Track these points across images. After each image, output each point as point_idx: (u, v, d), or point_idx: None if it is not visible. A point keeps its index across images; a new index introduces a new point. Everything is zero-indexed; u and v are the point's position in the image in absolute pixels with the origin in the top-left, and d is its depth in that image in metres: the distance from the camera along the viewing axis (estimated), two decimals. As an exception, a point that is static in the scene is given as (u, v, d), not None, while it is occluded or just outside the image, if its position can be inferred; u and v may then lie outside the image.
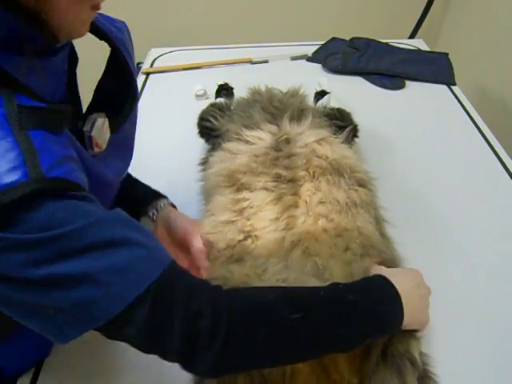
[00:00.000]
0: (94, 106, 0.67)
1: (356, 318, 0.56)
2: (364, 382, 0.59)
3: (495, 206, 0.99)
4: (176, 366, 0.52)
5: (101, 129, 0.60)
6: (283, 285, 0.65)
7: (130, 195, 0.83)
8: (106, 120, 0.61)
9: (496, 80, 1.73)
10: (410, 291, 0.61)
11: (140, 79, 1.46)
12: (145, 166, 0.95)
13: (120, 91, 0.69)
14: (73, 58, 0.64)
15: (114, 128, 0.64)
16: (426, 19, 2.07)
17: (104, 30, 0.66)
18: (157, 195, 0.85)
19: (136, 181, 0.88)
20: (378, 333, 0.59)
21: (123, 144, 0.69)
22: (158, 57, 1.59)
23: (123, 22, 0.76)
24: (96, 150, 0.59)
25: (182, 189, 1.02)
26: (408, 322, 0.59)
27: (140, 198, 0.83)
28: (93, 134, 0.58)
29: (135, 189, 0.86)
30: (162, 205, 0.83)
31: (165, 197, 0.85)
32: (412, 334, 0.62)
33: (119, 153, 0.68)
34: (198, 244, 0.76)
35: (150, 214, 0.82)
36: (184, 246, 0.78)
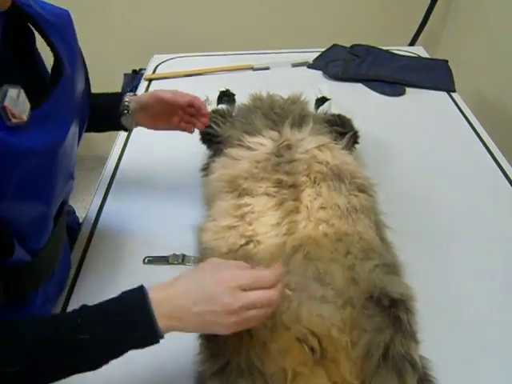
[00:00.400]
0: None
1: (85, 354, 0.57)
2: (365, 383, 0.60)
3: (495, 213, 1.00)
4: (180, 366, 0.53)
5: (16, 100, 0.59)
6: (286, 290, 0.66)
7: (101, 111, 0.94)
8: (22, 91, 0.60)
9: (496, 87, 1.74)
10: (181, 307, 0.59)
11: (142, 85, 1.48)
12: (147, 171, 0.96)
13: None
14: (26, 35, 0.71)
15: (38, 103, 0.64)
16: (426, 27, 2.09)
17: (22, 7, 0.69)
18: (119, 96, 0.96)
19: (97, 97, 0.95)
20: (124, 352, 0.59)
21: (52, 117, 0.68)
22: (160, 63, 1.60)
23: (65, 10, 0.79)
24: (15, 120, 0.58)
25: (184, 194, 1.03)
26: (191, 329, 0.60)
27: (110, 109, 0.95)
28: (6, 104, 0.57)
29: (101, 104, 0.95)
30: (128, 99, 0.94)
31: (125, 92, 0.97)
32: (412, 337, 0.63)
33: (47, 126, 0.66)
34: (165, 93, 0.92)
35: (125, 112, 0.94)
36: (162, 112, 0.95)
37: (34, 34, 0.72)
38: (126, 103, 0.94)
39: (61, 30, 0.74)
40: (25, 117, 0.60)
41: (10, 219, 0.59)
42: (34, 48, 0.74)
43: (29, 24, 0.71)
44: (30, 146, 0.61)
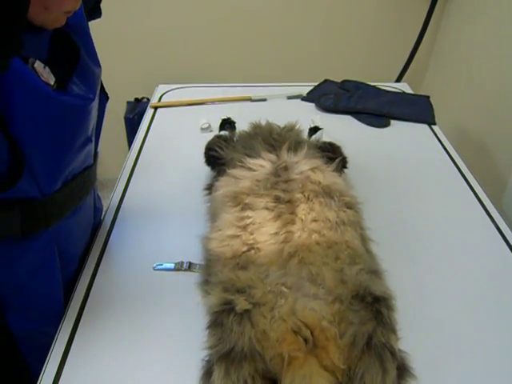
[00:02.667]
0: None
1: None
2: (351, 367, 0.68)
3: (466, 231, 1.11)
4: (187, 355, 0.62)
5: (43, 67, 0.72)
6: (283, 288, 0.76)
7: None
8: (47, 67, 0.73)
9: (472, 120, 1.88)
10: None
11: (149, 112, 1.59)
12: (156, 189, 1.06)
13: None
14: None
15: (63, 85, 0.77)
16: (411, 65, 2.23)
17: None
18: None
19: None
20: None
21: (78, 87, 0.80)
22: (165, 93, 1.71)
23: None
24: (43, 79, 0.71)
25: (188, 210, 1.13)
26: None
27: None
28: (35, 66, 0.70)
29: None
30: None
31: None
32: (392, 329, 0.72)
33: (77, 90, 0.79)
34: None
35: None
36: None
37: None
38: None
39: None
40: (51, 82, 0.72)
41: (25, 147, 0.70)
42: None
43: None
44: (61, 99, 0.74)
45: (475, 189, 1.24)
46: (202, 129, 1.46)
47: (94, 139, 0.92)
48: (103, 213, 1.14)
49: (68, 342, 0.84)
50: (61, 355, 0.82)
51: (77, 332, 0.86)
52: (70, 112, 0.77)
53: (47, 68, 0.73)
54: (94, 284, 0.95)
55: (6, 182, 0.72)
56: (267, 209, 0.91)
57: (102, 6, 0.96)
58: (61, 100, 0.74)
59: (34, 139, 0.72)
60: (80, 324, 0.88)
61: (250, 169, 1.02)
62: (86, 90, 0.82)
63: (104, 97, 0.96)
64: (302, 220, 0.88)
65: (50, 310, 0.91)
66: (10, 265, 0.81)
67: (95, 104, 0.85)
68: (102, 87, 0.96)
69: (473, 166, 1.34)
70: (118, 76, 2.37)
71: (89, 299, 0.92)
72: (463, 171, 1.31)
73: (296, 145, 1.07)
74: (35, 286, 0.87)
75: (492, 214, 1.16)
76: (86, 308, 0.91)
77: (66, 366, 0.80)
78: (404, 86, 1.79)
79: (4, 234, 0.77)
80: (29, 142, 0.71)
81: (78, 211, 0.91)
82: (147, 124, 1.52)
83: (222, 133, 1.28)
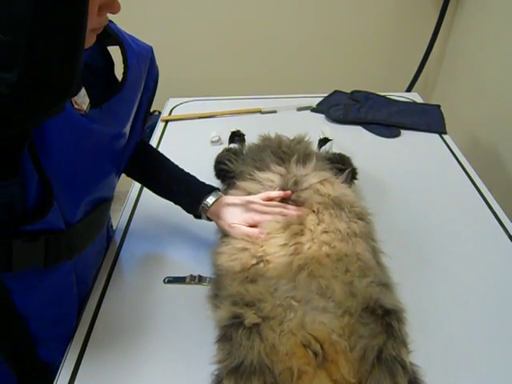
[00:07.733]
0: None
1: None
2: (361, 381, 0.67)
3: (478, 241, 1.10)
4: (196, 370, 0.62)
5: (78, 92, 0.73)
6: (292, 301, 0.75)
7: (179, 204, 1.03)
8: (83, 89, 0.73)
9: (483, 129, 1.86)
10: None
11: (159, 126, 1.60)
12: (166, 203, 1.06)
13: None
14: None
15: (98, 103, 0.77)
16: (422, 74, 2.22)
17: (118, 35, 0.84)
18: (198, 201, 0.99)
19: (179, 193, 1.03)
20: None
21: (111, 116, 0.81)
22: (175, 106, 1.73)
23: (150, 46, 0.93)
24: (76, 106, 0.71)
25: (199, 223, 1.13)
26: None
27: (187, 208, 1.02)
28: None
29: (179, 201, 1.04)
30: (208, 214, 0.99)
31: (204, 196, 0.99)
32: (403, 342, 0.71)
33: (109, 120, 0.80)
34: (230, 231, 0.92)
35: (204, 218, 1.00)
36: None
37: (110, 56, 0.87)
38: (204, 210, 0.98)
39: (139, 56, 0.87)
40: (84, 107, 0.73)
41: (55, 178, 0.70)
42: (111, 59, 0.88)
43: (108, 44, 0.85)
44: (101, 132, 0.76)
45: (487, 198, 1.22)
46: (212, 142, 1.46)
47: (118, 172, 0.94)
48: (114, 226, 1.15)
49: (79, 354, 0.85)
50: (72, 367, 0.83)
51: (88, 345, 0.87)
52: (100, 143, 0.78)
53: (83, 90, 0.73)
54: (105, 296, 0.96)
55: (35, 214, 0.71)
56: (276, 219, 0.91)
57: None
58: (93, 131, 0.75)
59: (63, 170, 0.72)
60: (91, 337, 0.88)
61: (259, 182, 1.02)
62: (118, 122, 0.83)
63: (136, 136, 0.97)
64: (311, 230, 0.88)
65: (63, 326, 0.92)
66: (28, 293, 0.80)
67: (125, 139, 0.87)
68: (142, 128, 0.99)
69: (484, 175, 1.33)
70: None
71: (100, 312, 0.93)
72: (475, 181, 1.29)
73: (305, 157, 1.07)
74: (52, 312, 0.87)
75: (505, 223, 1.14)
76: (96, 320, 0.91)
77: (77, 377, 0.81)
78: (414, 96, 1.78)
79: (27, 264, 0.76)
80: (59, 173, 0.71)
81: (95, 241, 0.93)
82: (158, 137, 1.53)
83: (232, 146, 1.28)
